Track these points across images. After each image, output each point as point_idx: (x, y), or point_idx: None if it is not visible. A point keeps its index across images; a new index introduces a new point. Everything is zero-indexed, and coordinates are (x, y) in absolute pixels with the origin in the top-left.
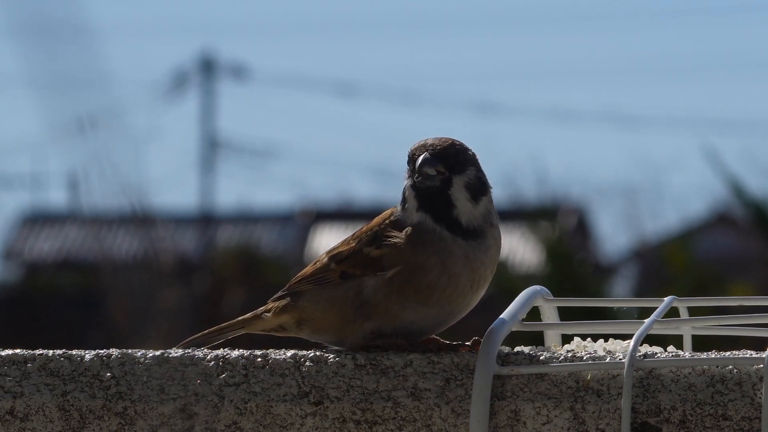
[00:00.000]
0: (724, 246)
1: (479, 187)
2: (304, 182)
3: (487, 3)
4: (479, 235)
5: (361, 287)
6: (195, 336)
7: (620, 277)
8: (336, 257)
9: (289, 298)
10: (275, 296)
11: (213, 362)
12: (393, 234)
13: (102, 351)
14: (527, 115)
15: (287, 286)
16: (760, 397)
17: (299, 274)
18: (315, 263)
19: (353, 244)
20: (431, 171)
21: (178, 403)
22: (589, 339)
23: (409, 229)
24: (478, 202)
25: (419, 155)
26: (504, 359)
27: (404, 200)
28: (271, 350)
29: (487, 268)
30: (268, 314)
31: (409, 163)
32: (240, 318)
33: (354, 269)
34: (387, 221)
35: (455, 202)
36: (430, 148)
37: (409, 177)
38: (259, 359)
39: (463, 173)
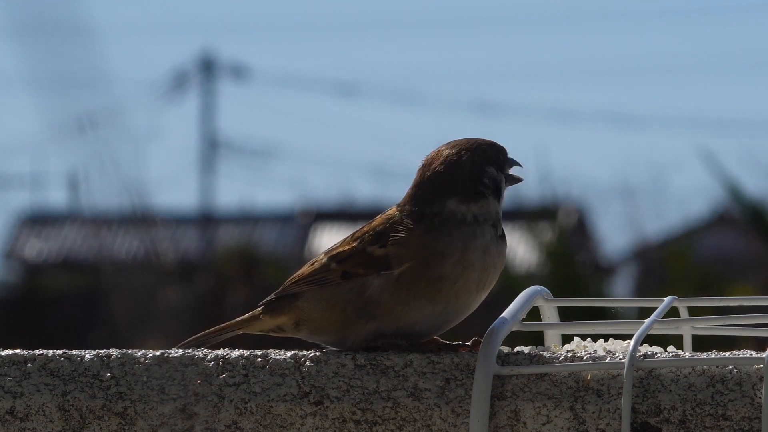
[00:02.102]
0: (725, 246)
1: None
2: (304, 182)
3: (487, 3)
4: (504, 237)
5: (364, 287)
6: (192, 338)
7: (620, 277)
8: (336, 257)
9: (286, 299)
10: (269, 298)
11: (213, 362)
12: (405, 228)
13: (102, 351)
14: (527, 115)
15: (282, 287)
16: (760, 397)
17: (296, 274)
18: (313, 263)
19: (355, 244)
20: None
21: (178, 403)
22: (589, 339)
23: (438, 218)
24: None
25: (507, 153)
26: (504, 359)
27: (499, 194)
28: (271, 350)
29: (496, 269)
30: (265, 315)
31: (499, 157)
32: (238, 319)
33: (356, 269)
34: (395, 219)
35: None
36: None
37: (499, 171)
38: (259, 359)
39: None
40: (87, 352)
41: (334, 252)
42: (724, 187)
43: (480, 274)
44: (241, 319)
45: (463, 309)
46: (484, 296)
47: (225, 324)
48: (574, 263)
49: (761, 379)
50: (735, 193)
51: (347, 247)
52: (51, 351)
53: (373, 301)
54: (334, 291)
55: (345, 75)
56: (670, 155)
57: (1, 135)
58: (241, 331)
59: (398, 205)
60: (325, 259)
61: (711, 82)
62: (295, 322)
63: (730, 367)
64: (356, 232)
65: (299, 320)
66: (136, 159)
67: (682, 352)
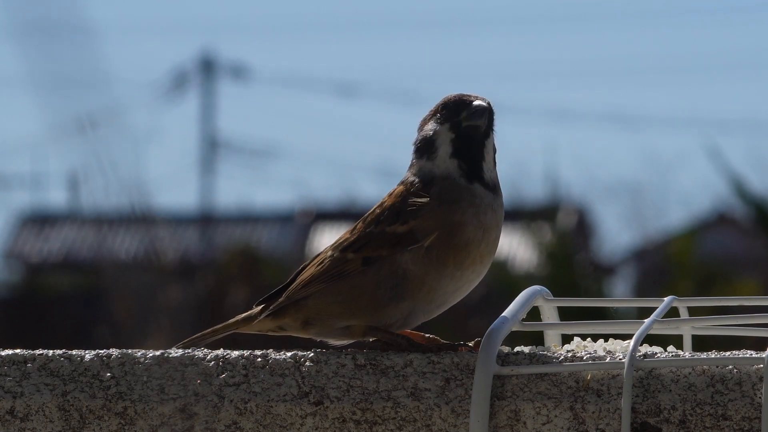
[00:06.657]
0: (729, 244)
1: (495, 151)
2: (304, 182)
3: (487, 3)
4: (497, 190)
5: (395, 265)
6: (185, 341)
7: (621, 277)
8: (353, 246)
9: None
10: (270, 310)
11: (213, 362)
12: (419, 202)
13: (102, 351)
14: (528, 115)
15: (286, 297)
16: (760, 397)
17: (301, 280)
18: (321, 263)
19: (371, 228)
20: (484, 104)
21: (178, 403)
22: (589, 339)
23: (438, 188)
24: (495, 164)
25: (472, 99)
26: (504, 359)
27: (433, 148)
28: (271, 350)
29: (501, 225)
30: (264, 318)
31: (445, 108)
32: (232, 321)
33: (379, 251)
34: (403, 195)
35: (485, 155)
36: (479, 96)
37: (442, 122)
38: (259, 359)
39: (492, 131)
40: (87, 352)
41: (346, 243)
42: (728, 183)
43: (494, 232)
44: (235, 321)
45: (483, 272)
46: (494, 257)
47: (219, 326)
48: (574, 263)
49: (761, 379)
50: (740, 190)
51: (360, 234)
52: (51, 351)
53: (406, 277)
54: (358, 278)
55: (345, 75)
56: (672, 155)
57: (1, 135)
58: (237, 330)
59: (403, 185)
60: (337, 254)
61: (711, 82)
62: (303, 322)
63: (730, 367)
64: (367, 217)
65: (308, 319)
66: (136, 159)
67: (682, 352)
